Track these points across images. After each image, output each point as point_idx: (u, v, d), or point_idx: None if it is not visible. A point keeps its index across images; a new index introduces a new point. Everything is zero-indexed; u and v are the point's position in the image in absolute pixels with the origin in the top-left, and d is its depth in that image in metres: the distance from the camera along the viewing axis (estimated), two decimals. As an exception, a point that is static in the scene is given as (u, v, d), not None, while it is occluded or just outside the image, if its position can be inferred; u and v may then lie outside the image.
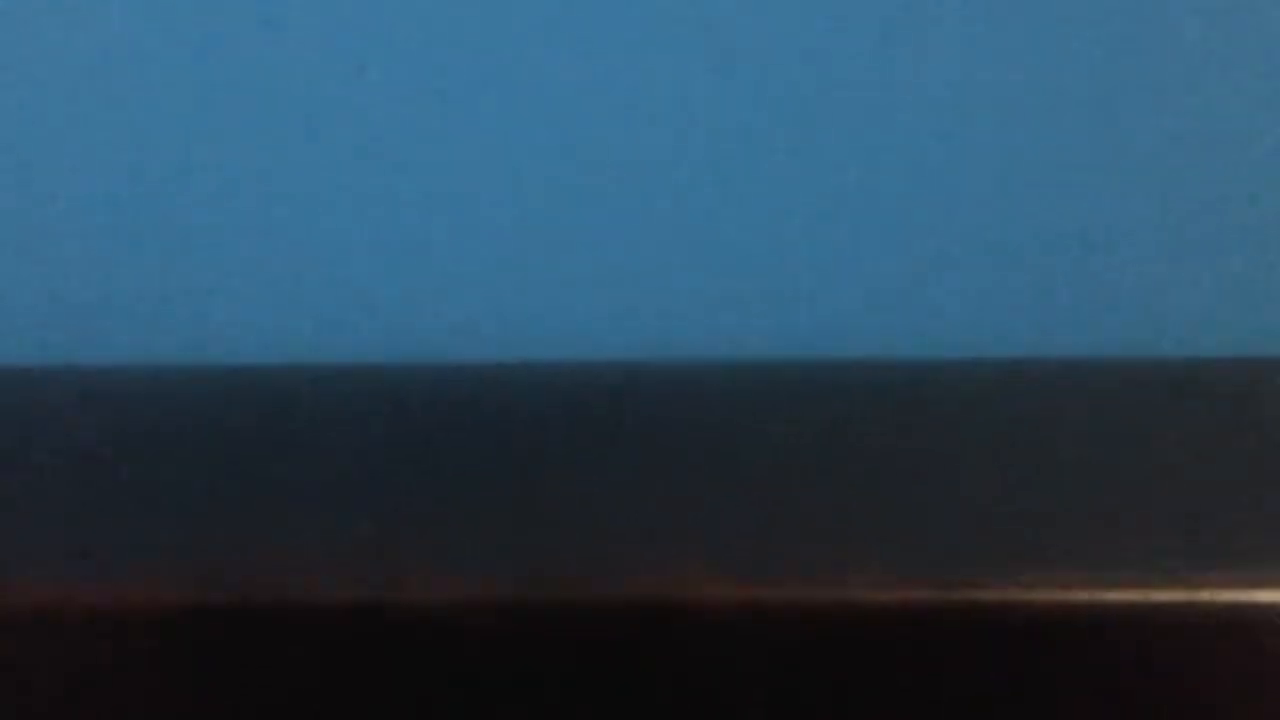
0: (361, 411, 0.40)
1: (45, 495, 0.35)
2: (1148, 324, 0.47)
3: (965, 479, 0.35)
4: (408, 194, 0.48)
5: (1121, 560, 0.31)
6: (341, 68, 0.46)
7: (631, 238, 0.48)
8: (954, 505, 0.34)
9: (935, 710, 0.30)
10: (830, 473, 0.36)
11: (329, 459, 0.37)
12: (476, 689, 0.30)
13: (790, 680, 0.30)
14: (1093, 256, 0.48)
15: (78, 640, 0.30)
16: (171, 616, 0.30)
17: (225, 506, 0.34)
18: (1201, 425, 0.39)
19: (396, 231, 0.48)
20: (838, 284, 0.47)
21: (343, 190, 0.48)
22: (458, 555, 0.31)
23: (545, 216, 0.48)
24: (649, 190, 0.47)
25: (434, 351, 0.48)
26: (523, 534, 0.32)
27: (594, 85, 0.46)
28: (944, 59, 0.45)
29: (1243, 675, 0.30)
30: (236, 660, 0.30)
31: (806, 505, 0.34)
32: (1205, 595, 0.30)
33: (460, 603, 0.30)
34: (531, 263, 0.49)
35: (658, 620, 0.30)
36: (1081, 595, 0.29)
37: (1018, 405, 0.41)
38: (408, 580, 0.30)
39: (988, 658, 0.30)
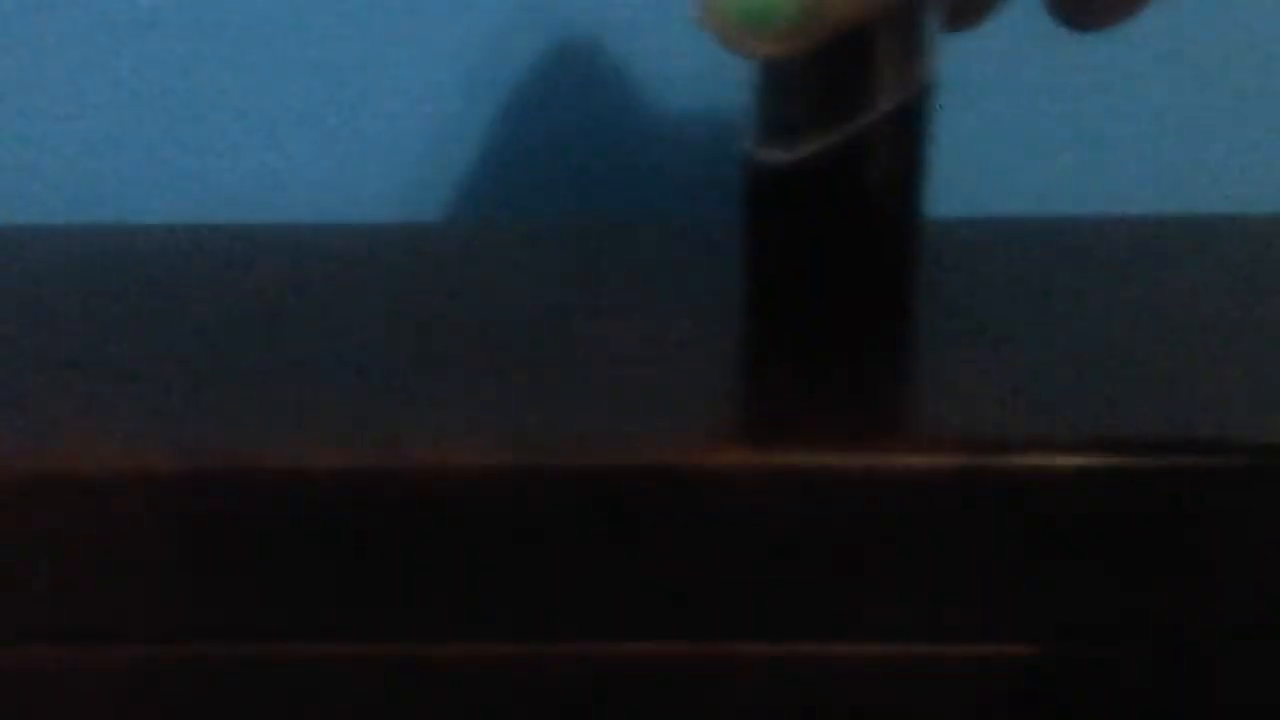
0: (359, 272, 0.39)
1: (34, 361, 0.34)
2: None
3: (995, 341, 0.34)
4: (409, 61, 0.45)
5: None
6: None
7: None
8: (985, 367, 0.32)
9: (953, 576, 0.30)
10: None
11: (325, 321, 0.36)
12: (478, 557, 0.30)
13: (802, 547, 0.29)
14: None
15: (70, 506, 0.30)
16: (163, 483, 0.29)
17: (219, 371, 0.33)
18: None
19: (396, 91, 0.46)
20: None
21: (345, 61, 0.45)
22: (458, 420, 0.31)
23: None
24: None
25: (428, 210, 0.47)
26: (525, 398, 0.31)
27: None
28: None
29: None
30: (230, 528, 0.30)
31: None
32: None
33: (460, 468, 0.29)
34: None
35: (666, 486, 0.29)
36: (1099, 460, 0.29)
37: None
38: (407, 445, 0.30)
39: (1006, 525, 0.29)
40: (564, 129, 0.46)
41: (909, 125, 0.30)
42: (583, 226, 0.42)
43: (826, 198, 0.31)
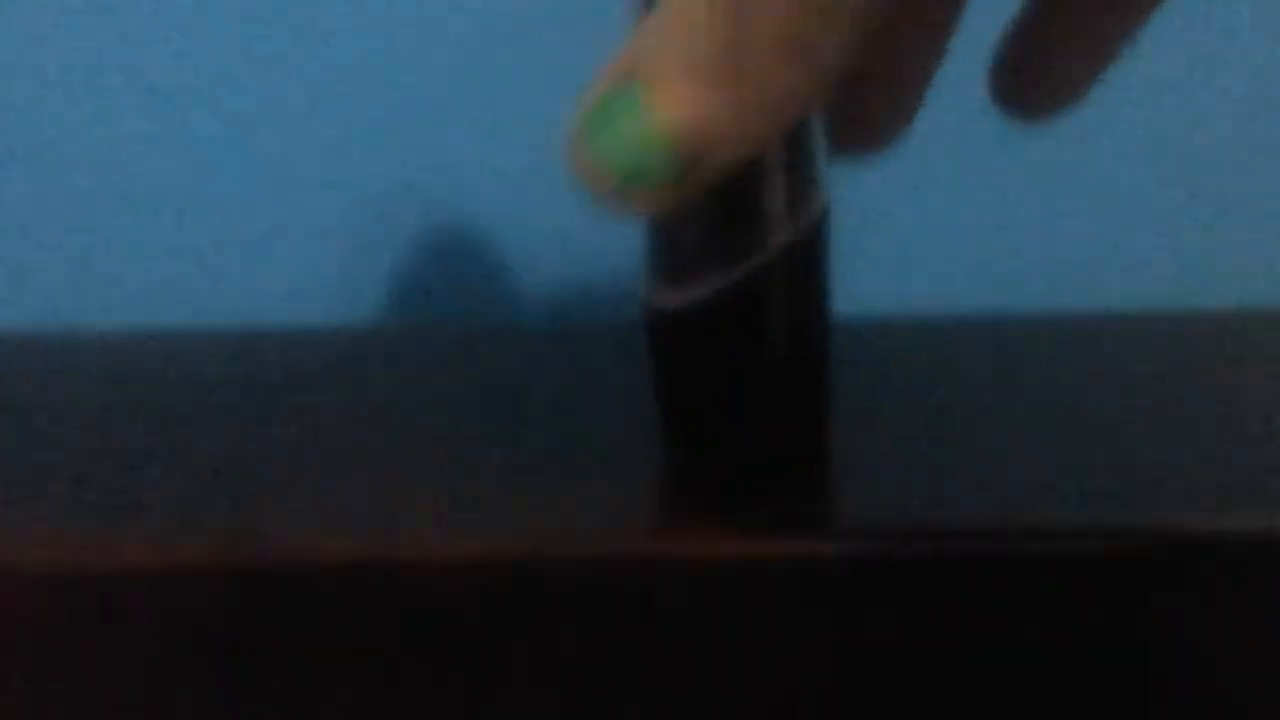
0: (362, 372, 0.40)
1: (50, 459, 0.35)
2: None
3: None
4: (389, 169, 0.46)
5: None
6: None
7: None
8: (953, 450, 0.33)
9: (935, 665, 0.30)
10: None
11: (331, 419, 0.37)
12: (479, 648, 0.31)
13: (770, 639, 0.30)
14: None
15: (84, 600, 0.31)
16: (174, 577, 0.31)
17: (228, 467, 0.34)
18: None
19: (390, 201, 0.47)
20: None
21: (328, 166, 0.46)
22: (457, 514, 0.31)
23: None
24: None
25: (433, 313, 0.48)
26: (519, 492, 0.32)
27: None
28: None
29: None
30: (241, 620, 0.31)
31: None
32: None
33: (460, 561, 0.30)
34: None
35: (651, 575, 0.30)
36: (1075, 545, 0.29)
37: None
38: (409, 539, 0.31)
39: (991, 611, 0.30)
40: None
41: (805, 256, 0.30)
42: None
43: (726, 337, 0.30)
